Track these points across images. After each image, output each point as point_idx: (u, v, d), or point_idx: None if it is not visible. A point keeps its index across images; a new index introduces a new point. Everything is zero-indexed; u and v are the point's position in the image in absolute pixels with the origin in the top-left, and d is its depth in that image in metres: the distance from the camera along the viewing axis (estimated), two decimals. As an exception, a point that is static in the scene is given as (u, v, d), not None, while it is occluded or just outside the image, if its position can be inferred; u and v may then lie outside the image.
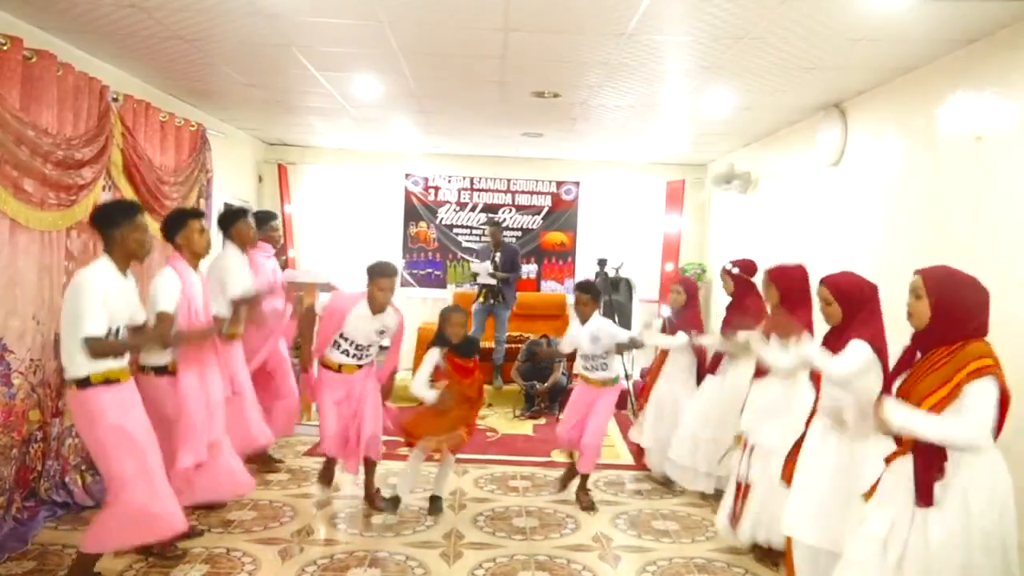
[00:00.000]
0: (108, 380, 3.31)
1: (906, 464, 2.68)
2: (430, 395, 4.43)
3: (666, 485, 5.30)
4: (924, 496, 2.59)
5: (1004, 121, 3.87)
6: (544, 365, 7.60)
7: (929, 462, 2.60)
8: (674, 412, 5.26)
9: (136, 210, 3.52)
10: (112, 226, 3.40)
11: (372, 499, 4.69)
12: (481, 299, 7.94)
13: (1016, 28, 3.78)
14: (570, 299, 9.18)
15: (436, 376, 4.52)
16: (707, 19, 3.93)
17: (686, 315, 5.36)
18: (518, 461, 5.76)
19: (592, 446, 4.80)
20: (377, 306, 4.42)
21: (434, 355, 4.51)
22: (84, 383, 3.27)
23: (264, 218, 5.49)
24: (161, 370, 3.81)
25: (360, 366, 4.55)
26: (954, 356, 2.60)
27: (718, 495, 5.03)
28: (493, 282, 7.81)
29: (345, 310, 4.42)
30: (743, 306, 4.81)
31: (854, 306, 3.33)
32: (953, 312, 2.64)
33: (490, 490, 5.12)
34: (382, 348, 4.72)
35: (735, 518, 4.02)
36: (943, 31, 3.96)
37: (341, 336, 4.45)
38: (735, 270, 4.93)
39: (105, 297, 3.28)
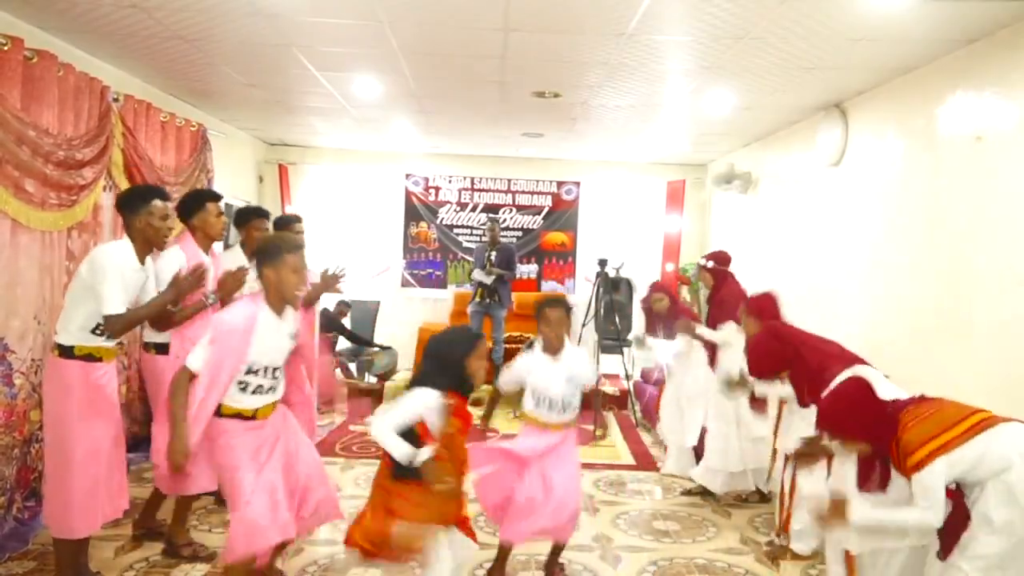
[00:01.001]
0: (91, 356, 3.29)
1: None
2: (416, 454, 2.70)
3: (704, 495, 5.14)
4: (946, 551, 2.68)
5: (1004, 121, 3.87)
6: None
7: (956, 523, 2.66)
8: (689, 400, 5.33)
9: (154, 195, 3.48)
10: (129, 211, 3.40)
11: None
12: (477, 299, 7.93)
13: (1016, 28, 3.78)
14: (571, 299, 9.17)
15: (423, 433, 2.81)
16: (707, 19, 3.93)
17: (674, 316, 5.41)
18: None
19: (573, 510, 3.57)
20: (289, 301, 3.07)
21: (427, 400, 2.80)
22: (67, 352, 3.25)
23: (287, 221, 5.37)
24: (163, 348, 3.82)
25: (275, 403, 3.16)
26: (901, 454, 2.66)
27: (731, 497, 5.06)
28: (490, 280, 7.80)
29: (248, 330, 2.94)
30: (721, 297, 4.99)
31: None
32: (862, 432, 2.72)
33: (490, 490, 5.11)
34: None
35: (785, 525, 4.06)
36: (943, 31, 3.96)
37: (247, 371, 2.99)
38: (710, 264, 5.06)
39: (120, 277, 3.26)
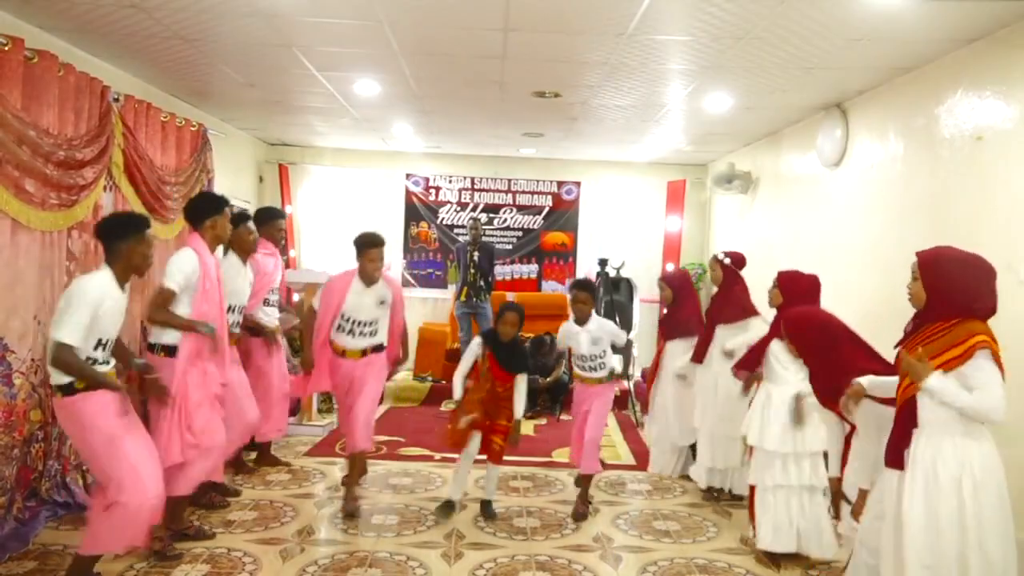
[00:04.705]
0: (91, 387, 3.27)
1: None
2: (457, 391, 4.51)
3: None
4: (893, 458, 2.74)
5: (1004, 121, 3.87)
6: (547, 362, 7.61)
7: (902, 428, 2.71)
8: (677, 402, 5.36)
9: (146, 224, 3.51)
10: (119, 239, 3.38)
11: (349, 500, 4.58)
12: (463, 298, 7.92)
13: (1016, 28, 3.78)
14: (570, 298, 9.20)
15: (474, 374, 4.54)
16: (707, 19, 3.93)
17: (681, 311, 5.39)
18: (518, 461, 5.75)
19: (591, 440, 4.66)
20: (368, 278, 4.54)
21: (475, 347, 4.53)
22: (69, 390, 3.23)
23: (269, 215, 5.42)
24: (172, 350, 3.80)
25: (363, 353, 4.60)
26: (947, 333, 2.63)
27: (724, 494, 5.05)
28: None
29: (343, 289, 4.52)
30: (729, 296, 4.96)
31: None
32: (948, 292, 2.66)
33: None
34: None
35: (752, 520, 4.08)
36: (943, 31, 3.96)
37: (342, 317, 4.54)
38: (727, 260, 5.03)
39: (100, 309, 3.24)
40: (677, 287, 5.49)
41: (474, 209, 9.42)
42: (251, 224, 4.84)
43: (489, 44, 4.54)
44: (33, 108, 4.08)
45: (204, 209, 4.02)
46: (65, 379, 3.23)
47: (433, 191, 9.41)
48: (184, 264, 3.83)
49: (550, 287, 9.50)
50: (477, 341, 4.56)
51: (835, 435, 3.49)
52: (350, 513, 4.48)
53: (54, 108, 4.25)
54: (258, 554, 3.91)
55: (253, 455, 5.44)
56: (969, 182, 4.12)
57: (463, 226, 9.41)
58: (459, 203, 9.43)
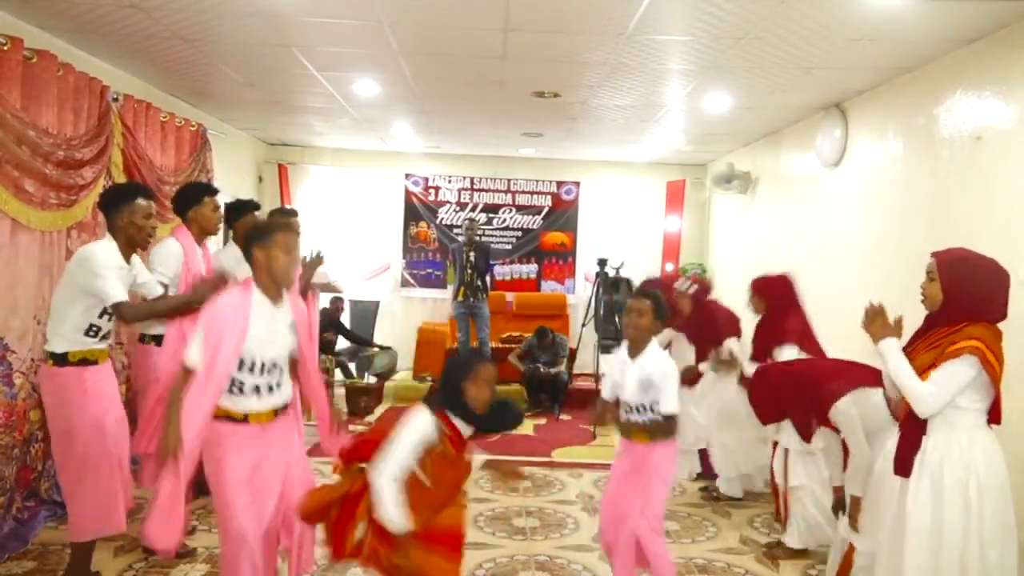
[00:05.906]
0: (85, 360, 3.26)
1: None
2: (398, 520, 2.47)
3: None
4: (901, 466, 2.71)
5: (1004, 121, 3.88)
6: (548, 359, 7.63)
7: (910, 436, 2.70)
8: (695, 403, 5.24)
9: (136, 192, 3.45)
10: (113, 210, 3.35)
11: None
12: (460, 298, 7.87)
13: (1016, 28, 3.78)
14: (571, 299, 9.20)
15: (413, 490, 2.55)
16: (707, 19, 3.93)
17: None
18: (518, 461, 5.76)
19: (659, 555, 3.08)
20: (279, 282, 2.80)
21: (420, 426, 2.58)
22: (61, 359, 3.21)
23: (282, 215, 5.33)
24: (159, 339, 3.79)
25: (276, 412, 2.85)
26: (950, 337, 2.63)
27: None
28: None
29: (243, 312, 2.71)
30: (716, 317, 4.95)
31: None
32: (964, 294, 2.65)
33: (490, 490, 5.12)
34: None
35: (783, 520, 4.14)
36: (943, 31, 3.97)
37: (240, 363, 2.72)
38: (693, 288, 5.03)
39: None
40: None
41: (473, 209, 9.41)
42: (256, 215, 4.79)
43: (489, 44, 4.54)
44: (32, 108, 4.08)
45: (187, 199, 4.00)
46: (62, 347, 3.21)
47: (432, 191, 9.41)
48: (167, 255, 3.78)
49: (549, 287, 9.50)
50: (425, 419, 2.60)
51: (833, 444, 3.54)
52: None
53: (53, 108, 4.25)
54: (258, 554, 3.90)
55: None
56: (969, 182, 4.13)
57: (462, 226, 9.41)
58: (458, 203, 9.42)
